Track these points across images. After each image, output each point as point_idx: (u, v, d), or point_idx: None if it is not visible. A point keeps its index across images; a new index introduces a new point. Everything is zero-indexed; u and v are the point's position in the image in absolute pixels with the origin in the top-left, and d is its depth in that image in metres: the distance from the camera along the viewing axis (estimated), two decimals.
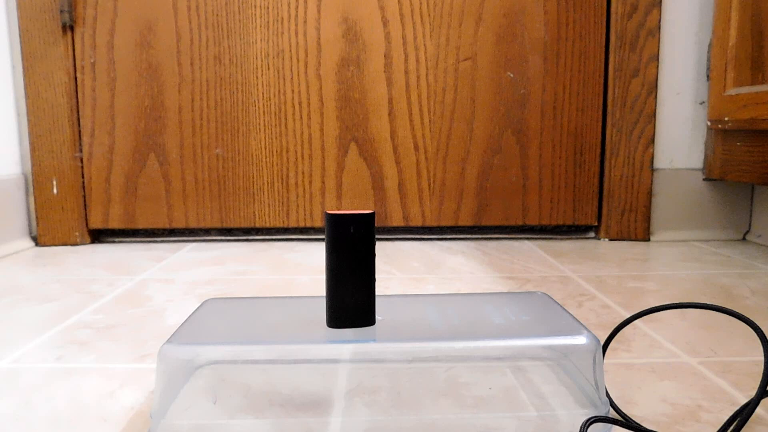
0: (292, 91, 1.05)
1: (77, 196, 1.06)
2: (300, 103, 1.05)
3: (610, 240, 1.06)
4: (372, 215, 0.39)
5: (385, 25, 1.03)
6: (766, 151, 0.88)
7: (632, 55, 1.02)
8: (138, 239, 1.10)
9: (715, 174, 1.02)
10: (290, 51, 1.04)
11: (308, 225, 1.08)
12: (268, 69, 1.04)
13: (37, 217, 1.05)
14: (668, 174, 1.05)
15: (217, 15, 1.03)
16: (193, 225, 1.08)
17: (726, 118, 0.94)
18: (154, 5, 1.03)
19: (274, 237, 1.10)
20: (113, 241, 1.10)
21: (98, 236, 1.10)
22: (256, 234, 1.10)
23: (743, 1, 0.91)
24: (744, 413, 0.36)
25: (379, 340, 0.38)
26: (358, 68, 1.04)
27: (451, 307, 0.44)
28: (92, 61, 1.04)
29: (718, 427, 0.40)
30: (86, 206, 1.07)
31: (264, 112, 1.05)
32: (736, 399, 0.44)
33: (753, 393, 0.45)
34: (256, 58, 1.04)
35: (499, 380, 0.39)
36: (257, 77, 1.04)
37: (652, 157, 1.04)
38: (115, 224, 1.07)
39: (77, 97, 1.05)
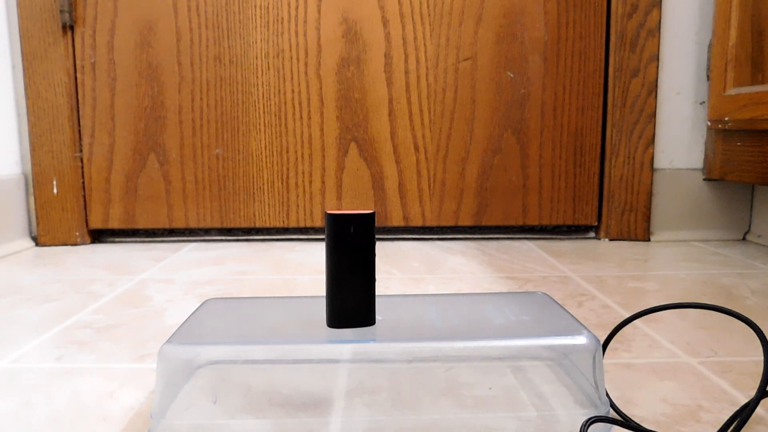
0: (292, 91, 1.05)
1: (77, 196, 1.06)
2: (300, 103, 1.05)
3: (610, 240, 1.06)
4: (372, 215, 0.39)
5: (385, 25, 1.03)
6: (766, 151, 0.88)
7: (632, 55, 1.02)
8: (138, 239, 1.10)
9: (715, 174, 1.02)
10: (290, 51, 1.04)
11: (308, 225, 1.08)
12: (268, 69, 1.04)
13: (37, 217, 1.05)
14: (668, 174, 1.05)
15: (217, 15, 1.03)
16: (193, 225, 1.08)
17: (726, 118, 0.94)
18: (154, 5, 1.03)
19: (274, 237, 1.10)
20: (113, 241, 1.10)
21: (98, 236, 1.10)
22: (256, 234, 1.10)
23: (743, 1, 0.91)
24: (744, 413, 0.36)
25: (379, 340, 0.38)
26: (358, 68, 1.04)
27: (451, 307, 0.44)
28: (92, 61, 1.04)
29: (718, 427, 0.40)
30: (86, 206, 1.07)
31: (264, 112, 1.05)
32: (736, 399, 0.44)
33: (753, 393, 0.45)
34: (256, 58, 1.04)
35: (499, 380, 0.39)
36: (257, 77, 1.04)
37: (652, 157, 1.04)
38: (115, 224, 1.07)
39: (77, 97, 1.05)
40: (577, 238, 1.09)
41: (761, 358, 0.52)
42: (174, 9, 1.03)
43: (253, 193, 1.07)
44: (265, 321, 0.42)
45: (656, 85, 1.02)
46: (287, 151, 1.06)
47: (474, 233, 1.10)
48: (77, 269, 0.88)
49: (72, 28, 1.03)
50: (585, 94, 1.05)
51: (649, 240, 1.06)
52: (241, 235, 1.10)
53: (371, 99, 1.05)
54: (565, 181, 1.07)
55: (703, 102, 1.04)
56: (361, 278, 0.39)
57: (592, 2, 1.03)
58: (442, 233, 1.10)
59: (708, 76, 1.02)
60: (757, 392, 0.36)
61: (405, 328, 0.40)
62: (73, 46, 1.04)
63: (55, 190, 1.05)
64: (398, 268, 0.86)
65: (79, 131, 1.06)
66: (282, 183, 1.07)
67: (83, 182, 1.06)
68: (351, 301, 0.40)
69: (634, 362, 0.51)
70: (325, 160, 1.06)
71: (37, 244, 1.06)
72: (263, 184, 1.07)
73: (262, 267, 0.88)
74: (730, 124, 0.93)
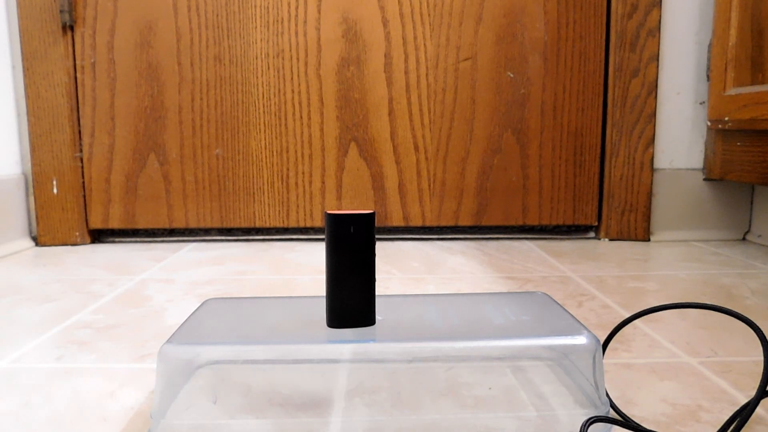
0: (292, 91, 1.05)
1: (77, 196, 1.06)
2: (300, 103, 1.05)
3: (610, 240, 1.06)
4: (372, 215, 0.39)
5: (385, 25, 1.03)
6: (766, 151, 0.88)
7: (632, 55, 1.02)
8: (138, 239, 1.10)
9: (715, 174, 1.02)
10: (290, 51, 1.04)
11: (308, 225, 1.08)
12: (268, 69, 1.04)
13: (37, 217, 1.05)
14: (668, 174, 1.05)
15: (217, 15, 1.03)
16: (193, 225, 1.08)
17: (726, 118, 0.94)
18: (154, 5, 1.03)
19: (274, 237, 1.10)
20: (113, 241, 1.10)
21: (98, 236, 1.10)
22: (256, 234, 1.10)
23: (743, 1, 0.91)
24: (744, 413, 0.36)
25: (379, 340, 0.38)
26: (358, 68, 1.04)
27: (451, 307, 0.44)
28: (92, 61, 1.04)
29: (718, 427, 0.40)
30: (86, 206, 1.07)
31: (264, 112, 1.05)
32: (736, 399, 0.44)
33: (753, 393, 0.45)
34: (256, 58, 1.04)
35: (499, 380, 0.39)
36: (257, 77, 1.04)
37: (652, 157, 1.04)
38: (115, 224, 1.07)
39: (77, 97, 1.05)
40: (577, 238, 1.09)
41: (761, 358, 0.52)
42: (174, 9, 1.03)
43: (253, 193, 1.07)
44: (265, 321, 0.42)
45: (656, 85, 1.02)
46: (287, 151, 1.06)
47: (474, 233, 1.10)
48: (77, 269, 0.88)
49: (72, 28, 1.03)
50: (585, 94, 1.05)
51: (649, 240, 1.06)
52: (241, 235, 1.10)
53: (371, 99, 1.05)
54: (565, 181, 1.07)
55: (703, 102, 1.04)
56: (361, 278, 0.39)
57: (592, 2, 1.03)
58: (442, 233, 1.10)
59: (708, 76, 1.02)
60: (757, 392, 0.36)
61: (405, 328, 0.40)
62: (73, 46, 1.04)
63: (55, 190, 1.05)
64: (398, 268, 0.86)
65: (79, 131, 1.06)
66: (282, 183, 1.07)
67: (83, 182, 1.06)
68: (351, 301, 0.40)
69: (634, 362, 0.51)
70: (325, 160, 1.06)
71: (37, 244, 1.06)
72: (263, 184, 1.07)
73: (262, 267, 0.88)
74: (730, 124, 0.93)
